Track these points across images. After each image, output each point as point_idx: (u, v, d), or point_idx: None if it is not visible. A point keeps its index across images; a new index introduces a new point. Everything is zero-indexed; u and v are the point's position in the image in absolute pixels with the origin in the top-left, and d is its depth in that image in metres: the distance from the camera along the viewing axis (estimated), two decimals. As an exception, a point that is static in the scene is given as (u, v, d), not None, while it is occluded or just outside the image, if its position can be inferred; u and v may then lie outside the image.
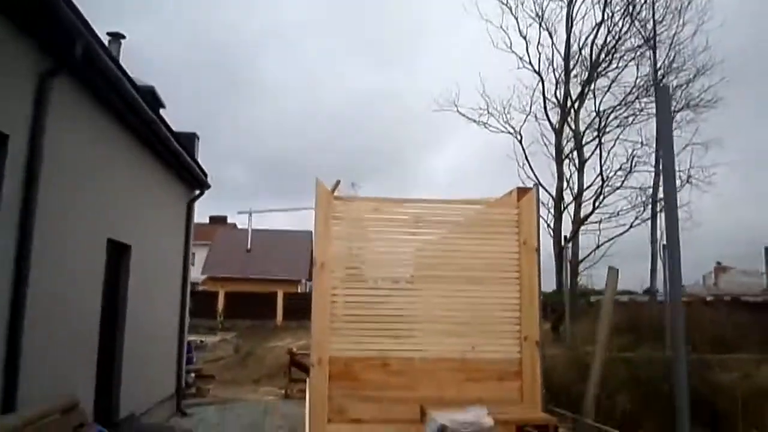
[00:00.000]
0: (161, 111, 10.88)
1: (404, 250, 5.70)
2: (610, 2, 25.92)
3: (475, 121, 25.33)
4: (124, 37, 10.47)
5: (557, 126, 25.61)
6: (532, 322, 5.47)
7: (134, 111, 7.59)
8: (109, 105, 7.27)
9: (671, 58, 25.32)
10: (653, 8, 25.75)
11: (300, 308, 26.47)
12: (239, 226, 54.26)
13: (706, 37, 24.38)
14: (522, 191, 5.75)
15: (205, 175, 11.80)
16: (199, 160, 12.02)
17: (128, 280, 8.45)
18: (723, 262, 34.48)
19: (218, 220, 63.00)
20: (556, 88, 25.71)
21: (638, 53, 26.33)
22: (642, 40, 25.73)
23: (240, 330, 30.16)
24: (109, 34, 10.37)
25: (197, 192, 12.04)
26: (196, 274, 50.27)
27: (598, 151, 24.67)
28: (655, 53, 26.24)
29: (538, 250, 5.64)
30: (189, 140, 11.68)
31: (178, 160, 10.31)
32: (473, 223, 5.77)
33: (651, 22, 25.66)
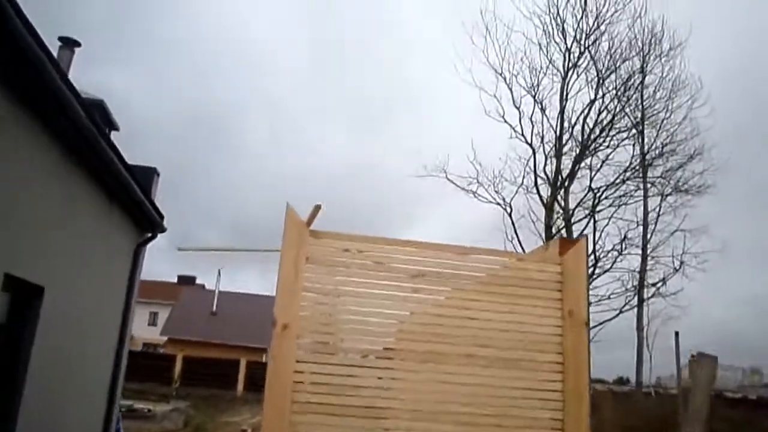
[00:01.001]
0: (114, 135, 9.28)
1: (400, 312, 4.07)
2: (603, 83, 25.70)
3: (464, 189, 24.15)
4: (78, 44, 9.11)
5: (547, 202, 24.57)
6: (581, 426, 3.82)
7: (64, 111, 5.96)
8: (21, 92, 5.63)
9: (661, 142, 25.02)
10: (641, 93, 25.68)
11: (264, 379, 24.22)
12: (207, 287, 51.83)
13: (695, 124, 24.21)
14: (566, 243, 4.24)
15: (161, 216, 10.13)
16: (158, 202, 10.39)
17: (35, 330, 6.60)
18: (706, 350, 33.15)
19: (186, 280, 60.47)
20: (546, 162, 24.90)
21: (629, 135, 26.10)
22: (632, 123, 25.54)
23: (195, 399, 27.56)
24: (60, 39, 8.98)
25: (148, 235, 10.31)
26: (155, 335, 47.56)
27: (590, 229, 23.56)
28: (643, 137, 26.02)
29: (587, 324, 4.06)
30: (146, 175, 10.08)
31: (126, 194, 8.67)
32: (497, 282, 4.18)
33: (639, 109, 25.60)
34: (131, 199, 8.88)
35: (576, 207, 24.28)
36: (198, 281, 60.94)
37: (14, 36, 4.79)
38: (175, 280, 61.45)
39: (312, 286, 3.89)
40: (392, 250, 4.11)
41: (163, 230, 10.40)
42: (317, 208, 3.82)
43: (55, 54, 7.83)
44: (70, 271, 7.52)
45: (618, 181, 24.46)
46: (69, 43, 9.15)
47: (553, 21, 25.52)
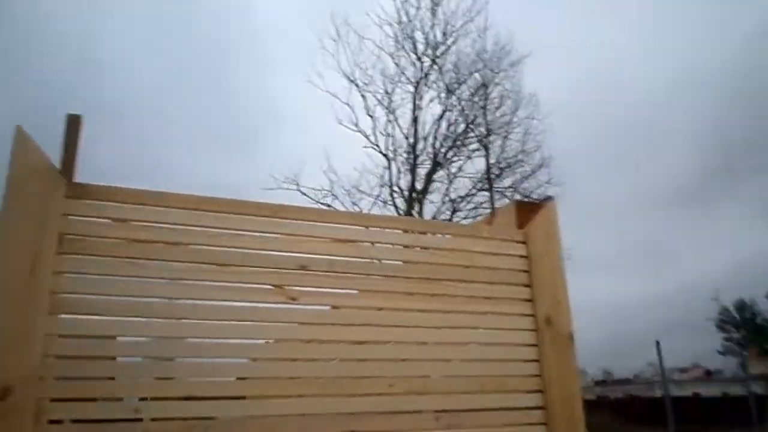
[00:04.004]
0: None
1: (261, 341, 2.22)
2: (451, 95, 25.67)
3: (318, 202, 22.45)
4: None
5: (403, 214, 23.72)
6: None
7: None
8: None
9: (504, 156, 25.49)
10: (485, 107, 26.07)
11: None
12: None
13: (539, 138, 24.89)
14: (527, 208, 2.63)
15: None
16: None
17: None
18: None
19: None
20: (400, 174, 24.16)
21: (479, 147, 26.37)
22: (476, 140, 25.83)
23: None
24: None
25: None
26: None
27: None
28: (488, 153, 26.41)
29: (572, 337, 2.47)
30: None
31: None
32: (423, 274, 2.45)
33: (484, 125, 25.95)
34: None
35: (433, 218, 23.68)
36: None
37: None
38: None
39: (73, 300, 1.88)
40: (235, 221, 2.22)
41: None
42: (75, 123, 1.81)
43: None
44: None
45: (472, 192, 24.35)
46: None
47: (402, 31, 25.10)
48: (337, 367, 2.22)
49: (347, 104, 23.36)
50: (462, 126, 25.20)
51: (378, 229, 2.51)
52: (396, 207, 23.52)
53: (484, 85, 25.76)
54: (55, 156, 1.96)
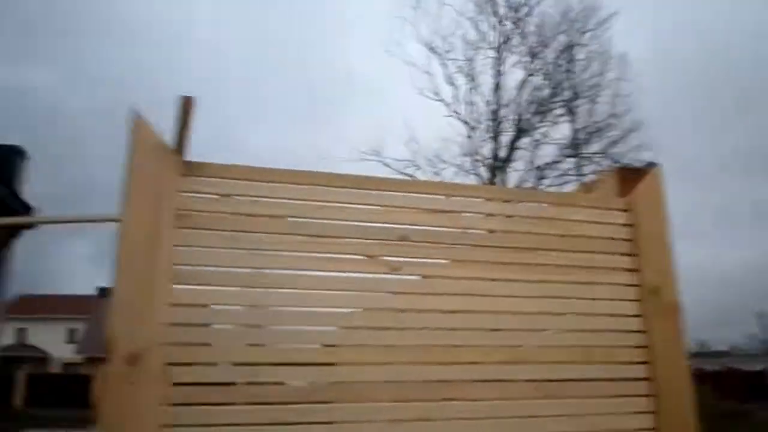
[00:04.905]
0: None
1: (362, 311, 2.28)
2: (535, 59, 24.79)
3: (401, 173, 22.53)
4: None
5: (487, 183, 23.38)
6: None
7: None
8: None
9: (594, 120, 24.31)
10: (571, 77, 24.93)
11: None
12: (129, 298, 47.91)
13: (628, 100, 23.56)
14: (630, 174, 2.53)
15: (26, 207, 7.80)
16: (27, 188, 8.05)
17: None
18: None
19: (107, 292, 55.95)
20: (481, 143, 23.76)
21: (565, 112, 25.38)
22: (562, 105, 24.79)
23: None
24: None
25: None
26: (70, 353, 43.49)
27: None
28: (574, 118, 25.33)
29: (680, 306, 2.38)
30: (3, 156, 7.73)
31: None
32: (520, 243, 2.41)
33: (570, 89, 24.85)
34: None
35: (518, 186, 23.22)
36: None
37: None
38: (95, 292, 56.93)
39: (189, 272, 2.00)
40: (340, 194, 2.28)
41: (31, 225, 8.03)
42: (188, 105, 1.89)
43: None
44: None
45: (558, 159, 23.57)
46: None
47: (483, -7, 24.44)
48: (430, 335, 2.26)
49: (427, 73, 23.16)
50: (547, 91, 24.38)
51: (475, 199, 2.50)
52: (479, 176, 23.23)
53: (570, 47, 24.73)
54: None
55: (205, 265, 2.04)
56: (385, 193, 2.34)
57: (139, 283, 1.87)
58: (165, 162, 1.99)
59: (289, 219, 2.21)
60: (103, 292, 55.40)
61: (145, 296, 1.88)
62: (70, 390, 31.04)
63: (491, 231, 2.46)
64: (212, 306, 2.05)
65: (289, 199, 2.22)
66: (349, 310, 2.24)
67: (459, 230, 2.41)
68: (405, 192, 2.36)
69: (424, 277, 2.27)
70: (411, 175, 22.31)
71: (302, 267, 2.19)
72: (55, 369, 44.83)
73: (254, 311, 2.11)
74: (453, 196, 2.46)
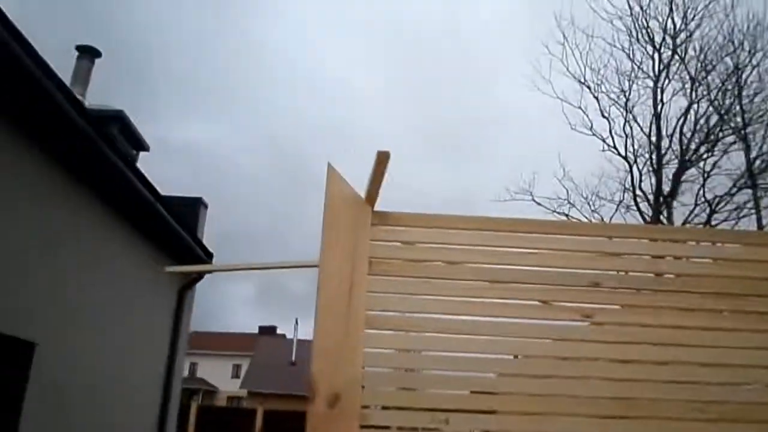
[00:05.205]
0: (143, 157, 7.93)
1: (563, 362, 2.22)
2: (698, 85, 23.05)
3: (553, 212, 21.81)
4: (98, 54, 7.93)
5: (651, 220, 21.85)
6: None
7: (62, 124, 4.60)
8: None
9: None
10: (740, 102, 22.75)
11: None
12: (289, 337, 50.67)
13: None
14: None
15: (208, 254, 8.62)
16: (204, 236, 8.93)
17: (23, 395, 5.08)
18: None
19: (267, 330, 59.71)
20: (641, 177, 22.31)
21: (736, 140, 23.12)
22: (732, 132, 22.62)
23: (278, 459, 25.79)
24: (78, 48, 7.84)
25: (193, 275, 8.83)
26: (235, 388, 46.60)
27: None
28: (748, 146, 22.94)
29: None
30: (189, 207, 8.67)
31: (166, 228, 7.23)
32: (709, 288, 2.22)
33: (740, 114, 22.65)
34: (170, 237, 7.41)
35: (685, 222, 21.45)
36: (280, 331, 59.99)
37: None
38: (257, 331, 60.92)
39: (381, 317, 2.07)
40: (520, 239, 2.25)
41: (218, 270, 8.87)
42: (383, 158, 1.98)
43: (72, 65, 6.63)
44: (85, 323, 6.06)
45: (732, 191, 21.39)
46: (87, 52, 8.01)
47: (636, 22, 23.41)
48: (601, 386, 2.12)
49: (580, 108, 22.46)
50: (714, 118, 22.54)
51: (666, 242, 2.35)
52: (641, 212, 21.85)
53: (737, 69, 22.76)
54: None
55: (395, 311, 2.11)
56: (567, 237, 2.28)
57: (338, 328, 1.98)
58: (359, 212, 2.11)
59: (469, 265, 2.22)
60: (264, 331, 59.14)
61: (343, 340, 1.97)
62: (234, 423, 33.14)
63: (686, 274, 2.28)
64: (402, 351, 2.10)
65: (468, 245, 2.24)
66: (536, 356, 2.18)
67: (640, 273, 2.28)
68: (591, 236, 2.28)
69: (621, 325, 2.16)
70: (566, 215, 21.51)
71: (481, 313, 2.18)
72: (220, 402, 48.18)
73: (437, 356, 2.13)
74: (637, 238, 2.33)
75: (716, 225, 21.10)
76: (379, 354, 2.05)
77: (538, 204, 21.60)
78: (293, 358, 41.39)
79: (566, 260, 2.24)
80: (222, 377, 53.72)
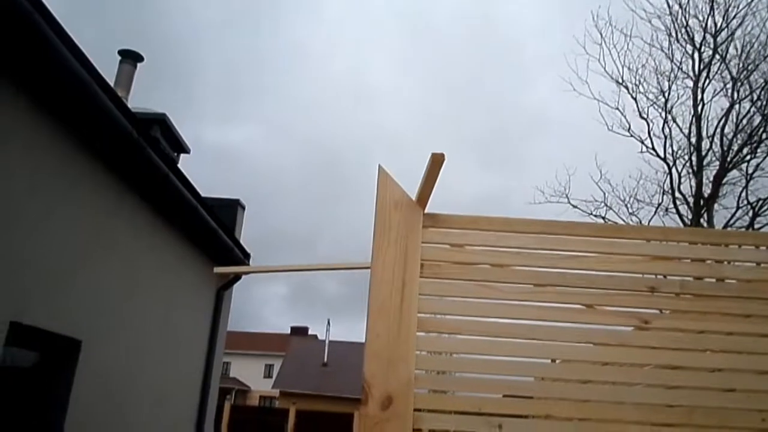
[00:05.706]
0: (183, 157, 8.06)
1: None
2: (739, 85, 22.40)
3: (590, 214, 21.46)
4: (140, 59, 8.11)
5: (690, 223, 21.33)
6: None
7: (106, 125, 4.73)
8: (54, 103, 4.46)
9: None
10: None
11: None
12: (320, 337, 50.93)
13: None
14: None
15: (246, 255, 8.73)
16: (242, 235, 9.04)
17: (69, 391, 5.20)
18: None
19: (299, 331, 60.15)
20: (680, 179, 21.75)
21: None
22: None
23: (308, 459, 25.98)
24: (120, 52, 8.01)
25: (231, 276, 8.95)
26: (267, 387, 47.00)
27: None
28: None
29: None
30: (227, 208, 8.80)
31: (206, 229, 7.35)
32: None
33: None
34: (208, 238, 7.54)
35: (726, 224, 20.86)
36: (311, 332, 60.36)
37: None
38: (289, 331, 61.40)
39: (432, 320, 2.06)
40: (566, 242, 2.21)
41: (261, 271, 8.96)
42: (438, 160, 1.97)
43: (115, 69, 6.79)
44: (126, 323, 6.19)
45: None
46: (129, 57, 8.20)
47: (675, 21, 22.90)
48: (663, 393, 2.07)
49: (617, 108, 22.07)
50: (757, 118, 21.89)
51: (721, 246, 2.29)
52: (680, 215, 21.36)
53: (781, 68, 22.10)
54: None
55: (445, 314, 2.10)
56: (618, 240, 2.24)
57: (390, 331, 1.98)
58: (411, 214, 2.10)
59: (517, 268, 2.20)
60: (296, 332, 59.61)
61: (395, 343, 1.97)
62: (266, 422, 33.45)
63: (745, 280, 2.22)
64: (453, 354, 2.09)
65: (515, 247, 2.22)
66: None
67: (687, 278, 2.23)
68: (648, 240, 2.23)
69: (677, 331, 2.11)
70: (603, 217, 21.15)
71: (531, 316, 2.15)
72: (252, 401, 48.67)
73: (489, 360, 2.10)
74: (693, 243, 2.28)
75: (759, 228, 20.49)
76: (430, 357, 2.04)
77: (574, 207, 21.26)
78: (325, 359, 41.59)
79: (623, 264, 2.19)
80: (254, 377, 54.28)
